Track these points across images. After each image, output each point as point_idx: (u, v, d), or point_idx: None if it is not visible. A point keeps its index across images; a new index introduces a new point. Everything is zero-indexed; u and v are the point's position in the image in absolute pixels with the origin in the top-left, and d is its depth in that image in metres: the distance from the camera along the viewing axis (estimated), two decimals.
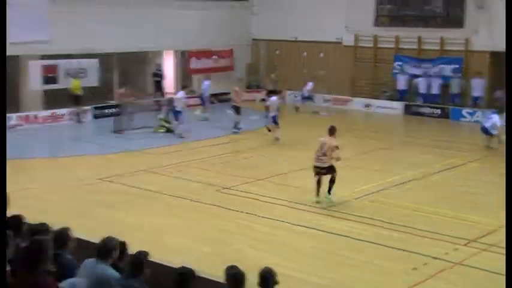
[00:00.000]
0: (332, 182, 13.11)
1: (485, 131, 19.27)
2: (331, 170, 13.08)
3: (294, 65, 29.71)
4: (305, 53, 29.67)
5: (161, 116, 21.85)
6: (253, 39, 31.15)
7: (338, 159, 12.99)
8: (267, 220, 12.17)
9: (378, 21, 27.89)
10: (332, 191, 13.16)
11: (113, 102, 24.45)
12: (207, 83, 25.16)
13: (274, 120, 20.21)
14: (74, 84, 23.28)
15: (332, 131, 13.24)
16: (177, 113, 20.58)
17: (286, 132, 20.56)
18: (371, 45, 27.86)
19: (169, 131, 21.13)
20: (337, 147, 12.99)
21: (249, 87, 30.78)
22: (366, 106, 27.69)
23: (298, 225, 11.91)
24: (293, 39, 29.55)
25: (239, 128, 21.57)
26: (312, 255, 10.45)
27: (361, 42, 28.16)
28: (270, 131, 19.51)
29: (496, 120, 18.96)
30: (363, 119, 26.36)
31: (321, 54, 29.24)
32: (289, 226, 11.84)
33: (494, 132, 18.91)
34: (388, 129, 24.52)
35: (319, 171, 13.09)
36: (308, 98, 26.86)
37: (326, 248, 10.88)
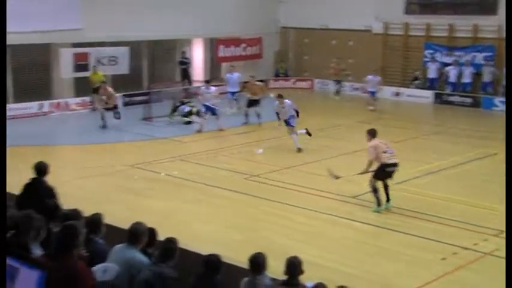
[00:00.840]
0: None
1: None
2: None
3: (322, 53, 29.52)
4: (334, 41, 29.49)
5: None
6: (282, 27, 31.02)
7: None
8: (297, 209, 12.14)
9: (409, 9, 27.52)
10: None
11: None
12: (233, 76, 23.26)
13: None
14: (92, 77, 22.87)
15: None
16: (211, 109, 19.68)
17: (318, 120, 20.48)
18: (401, 33, 27.55)
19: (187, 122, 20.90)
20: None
21: (277, 76, 30.74)
22: (395, 95, 27.42)
23: (328, 214, 11.86)
24: (323, 27, 29.35)
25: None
26: (343, 244, 10.41)
27: (391, 30, 27.86)
28: (310, 135, 17.65)
29: None
30: (393, 108, 26.11)
31: (350, 43, 29.02)
32: (319, 215, 11.81)
33: None
34: (418, 118, 24.28)
35: (393, 171, 12.12)
36: (372, 93, 24.40)
37: (357, 237, 10.84)
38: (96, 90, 22.09)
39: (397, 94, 27.41)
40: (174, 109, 21.48)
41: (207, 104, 19.63)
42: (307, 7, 29.48)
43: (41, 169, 8.62)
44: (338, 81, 27.56)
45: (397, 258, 9.88)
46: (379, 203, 11.96)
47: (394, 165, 12.00)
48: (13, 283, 2.51)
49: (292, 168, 15.25)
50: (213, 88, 20.07)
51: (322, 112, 24.03)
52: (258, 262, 6.27)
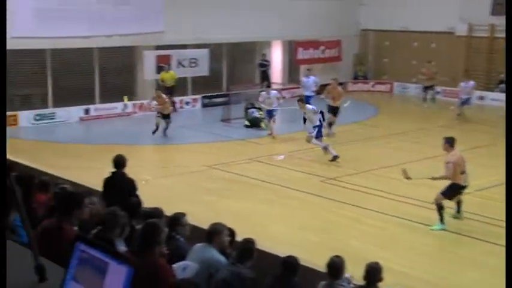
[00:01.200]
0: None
1: None
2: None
3: (403, 56, 28.98)
4: (416, 43, 28.90)
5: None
6: (362, 30, 30.69)
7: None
8: (373, 213, 12.01)
9: (496, 10, 26.56)
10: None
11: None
12: (309, 79, 22.68)
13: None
14: (164, 76, 23.04)
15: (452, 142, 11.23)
16: (269, 112, 19.44)
17: (397, 124, 20.16)
18: (486, 34, 26.64)
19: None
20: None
21: (356, 78, 30.45)
22: (479, 98, 26.54)
23: (405, 219, 11.65)
24: (403, 29, 28.81)
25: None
26: (420, 250, 10.21)
27: (476, 32, 26.97)
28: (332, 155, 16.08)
29: None
30: (476, 112, 25.29)
31: (433, 45, 28.35)
32: (396, 220, 11.62)
33: None
34: (503, 123, 23.36)
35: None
36: (466, 101, 22.80)
37: (435, 243, 10.61)
38: (170, 90, 22.36)
39: (481, 98, 26.51)
40: (246, 111, 21.63)
41: (270, 108, 19.43)
42: (388, 9, 29.02)
43: (120, 162, 8.99)
44: (430, 87, 25.24)
45: (477, 266, 9.60)
46: (442, 220, 11.05)
47: (466, 187, 11.21)
48: (103, 277, 2.63)
49: (368, 172, 15.07)
50: (273, 92, 20.01)
51: (402, 115, 23.62)
52: (336, 267, 6.27)
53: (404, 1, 28.51)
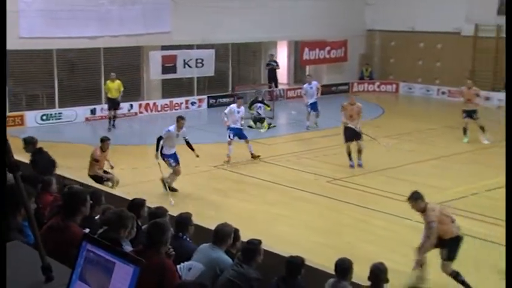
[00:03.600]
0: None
1: None
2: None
3: (409, 57, 28.91)
4: (422, 44, 28.83)
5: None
6: (368, 30, 30.62)
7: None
8: (381, 214, 11.96)
9: (502, 10, 26.45)
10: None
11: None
12: (312, 85, 20.97)
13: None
14: (110, 86, 20.70)
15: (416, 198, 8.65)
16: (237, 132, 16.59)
17: (403, 124, 20.10)
18: (493, 35, 26.53)
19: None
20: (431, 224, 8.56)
21: (361, 79, 30.41)
22: (486, 99, 26.42)
23: (413, 220, 11.58)
24: (409, 29, 28.73)
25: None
26: (429, 253, 10.12)
27: (482, 32, 26.86)
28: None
29: None
30: (482, 113, 25.17)
31: (439, 45, 28.26)
32: (403, 221, 11.54)
33: None
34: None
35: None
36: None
37: None
38: (113, 102, 20.63)
39: (487, 99, 26.39)
40: (252, 103, 21.50)
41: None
42: (394, 9, 28.93)
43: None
44: (473, 112, 18.83)
45: (486, 268, 9.54)
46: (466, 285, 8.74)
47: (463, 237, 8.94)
48: (110, 276, 2.63)
49: (375, 173, 15.04)
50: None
51: (407, 116, 23.54)
52: (344, 267, 6.25)
53: (410, 1, 28.42)
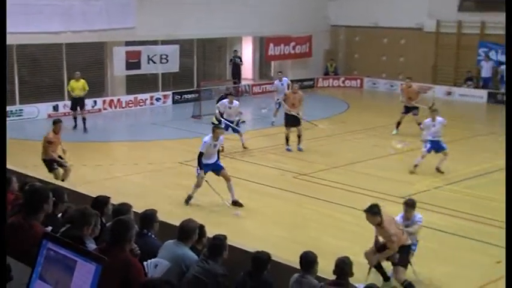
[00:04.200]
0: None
1: None
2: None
3: (373, 52, 29.18)
4: (385, 39, 29.14)
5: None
6: (332, 26, 30.80)
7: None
8: (345, 208, 12.05)
9: (463, 6, 26.92)
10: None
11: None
12: (283, 82, 20.75)
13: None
14: (74, 85, 19.92)
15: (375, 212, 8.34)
16: (230, 125, 17.03)
17: (367, 119, 20.27)
18: (454, 31, 26.98)
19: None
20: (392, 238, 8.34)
21: (326, 74, 30.58)
22: (447, 94, 26.90)
23: None
24: (373, 25, 29.00)
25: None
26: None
27: (444, 28, 27.30)
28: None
29: None
30: (445, 108, 25.57)
31: (402, 41, 28.61)
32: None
33: None
34: (472, 118, 23.76)
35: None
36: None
37: None
38: (77, 101, 19.91)
39: (449, 93, 26.88)
40: (219, 100, 21.25)
41: (228, 119, 16.95)
42: (357, 5, 29.17)
43: None
44: (414, 109, 19.27)
45: (449, 260, 9.70)
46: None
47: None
48: (71, 275, 2.57)
49: (340, 168, 15.15)
50: (236, 102, 17.45)
51: (372, 111, 23.78)
52: (309, 260, 6.27)
53: None
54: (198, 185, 12.20)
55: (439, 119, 14.57)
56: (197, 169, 12.24)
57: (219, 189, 12.21)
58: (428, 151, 14.46)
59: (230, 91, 21.77)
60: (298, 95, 17.15)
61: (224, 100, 17.57)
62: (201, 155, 12.08)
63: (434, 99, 16.77)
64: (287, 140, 16.90)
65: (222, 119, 16.75)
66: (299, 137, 16.82)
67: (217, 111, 17.14)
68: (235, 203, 12.13)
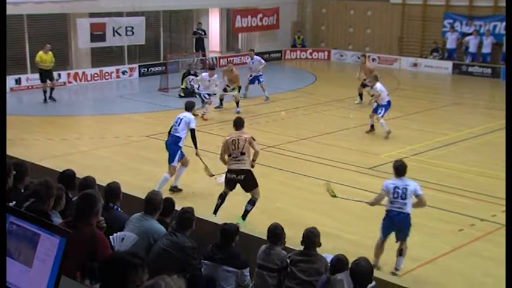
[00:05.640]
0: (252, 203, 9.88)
1: None
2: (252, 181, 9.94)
3: (340, 24, 29.19)
4: (352, 11, 29.14)
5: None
6: None
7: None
8: (314, 179, 12.10)
9: None
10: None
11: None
12: (254, 60, 20.44)
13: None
14: (43, 57, 19.59)
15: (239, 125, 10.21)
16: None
17: (335, 91, 20.34)
18: (420, 2, 27.13)
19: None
20: (253, 139, 10.17)
21: (294, 46, 30.51)
22: (413, 65, 27.13)
23: (346, 185, 11.79)
24: None
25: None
26: (361, 216, 10.31)
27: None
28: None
29: None
30: (411, 79, 25.85)
31: (368, 13, 28.65)
32: (336, 186, 11.70)
33: None
34: (437, 89, 24.03)
35: (235, 179, 9.97)
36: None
37: (375, 209, 10.76)
38: (47, 73, 19.64)
39: (415, 65, 27.11)
40: (184, 76, 21.05)
41: (204, 92, 17.91)
42: None
43: None
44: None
45: (414, 229, 9.84)
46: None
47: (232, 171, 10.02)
48: (34, 248, 2.53)
49: (308, 140, 15.21)
50: (215, 76, 17.99)
51: (339, 83, 23.87)
52: (276, 232, 6.31)
53: None
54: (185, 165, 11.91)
55: None
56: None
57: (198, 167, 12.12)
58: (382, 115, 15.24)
59: (211, 65, 21.58)
60: (234, 71, 18.72)
61: (204, 74, 18.55)
62: (194, 134, 11.77)
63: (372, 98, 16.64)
64: (221, 100, 18.74)
65: (197, 91, 18.37)
66: (237, 103, 18.33)
67: (195, 86, 18.73)
68: (175, 188, 11.68)
